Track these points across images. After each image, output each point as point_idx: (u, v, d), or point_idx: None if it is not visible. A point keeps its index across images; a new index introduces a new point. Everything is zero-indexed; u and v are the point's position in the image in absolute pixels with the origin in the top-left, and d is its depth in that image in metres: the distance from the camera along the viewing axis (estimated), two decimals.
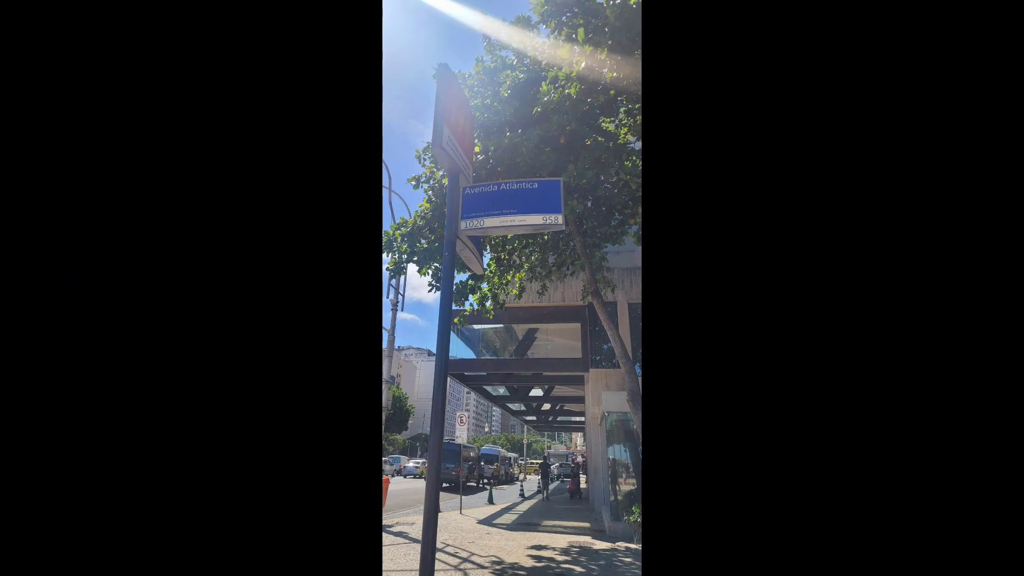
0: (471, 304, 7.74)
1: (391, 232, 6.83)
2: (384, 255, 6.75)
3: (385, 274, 9.30)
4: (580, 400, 16.07)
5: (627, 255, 10.97)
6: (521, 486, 19.73)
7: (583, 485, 18.27)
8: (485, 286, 7.72)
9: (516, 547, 7.06)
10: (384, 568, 5.42)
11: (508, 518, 10.85)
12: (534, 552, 6.72)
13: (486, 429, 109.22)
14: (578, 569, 5.77)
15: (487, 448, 27.77)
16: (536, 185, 2.86)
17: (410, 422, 48.51)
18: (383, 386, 10.65)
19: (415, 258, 6.74)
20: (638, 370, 8.27)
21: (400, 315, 12.60)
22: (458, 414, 13.17)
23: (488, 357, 15.89)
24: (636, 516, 7.92)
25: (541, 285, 8.50)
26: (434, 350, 2.58)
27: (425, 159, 6.89)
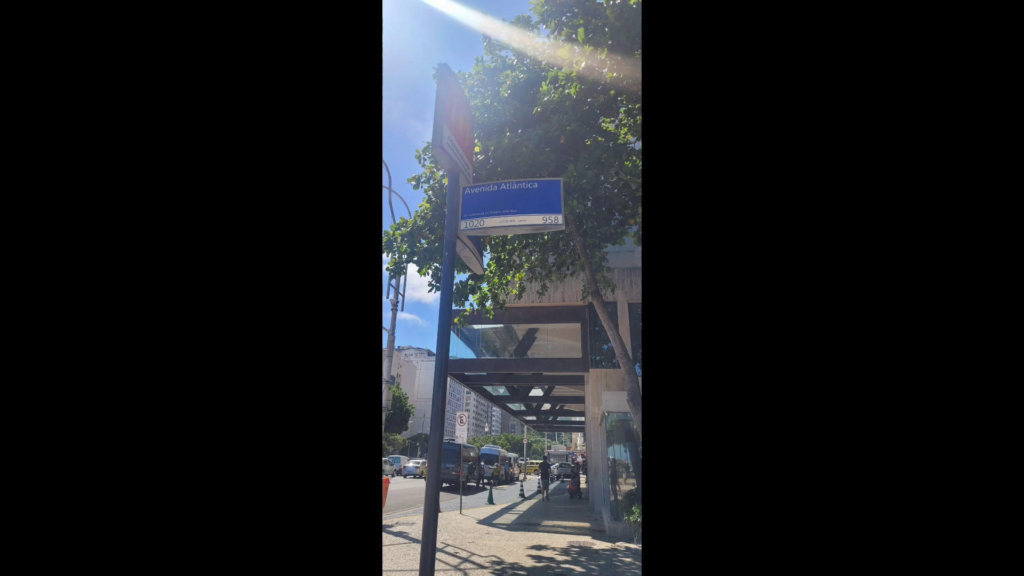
0: (471, 304, 7.74)
1: (391, 232, 6.83)
2: (384, 255, 6.74)
3: (385, 274, 9.30)
4: (580, 400, 16.08)
5: (627, 255, 10.98)
6: (521, 486, 19.75)
7: (583, 485, 18.27)
8: (485, 286, 7.71)
9: (516, 547, 7.06)
10: (384, 568, 5.42)
11: (508, 518, 10.85)
12: (534, 552, 6.72)
13: (486, 429, 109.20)
14: (578, 569, 5.77)
15: (487, 448, 27.76)
16: (536, 185, 2.86)
17: (410, 422, 48.53)
18: (383, 386, 10.65)
19: (415, 258, 6.74)
20: (638, 370, 8.28)
21: (400, 315, 12.64)
22: (458, 414, 13.17)
23: (488, 357, 15.89)
24: (636, 516, 7.92)
25: (541, 285, 8.50)
26: (434, 350, 2.58)
27: (425, 159, 6.89)
